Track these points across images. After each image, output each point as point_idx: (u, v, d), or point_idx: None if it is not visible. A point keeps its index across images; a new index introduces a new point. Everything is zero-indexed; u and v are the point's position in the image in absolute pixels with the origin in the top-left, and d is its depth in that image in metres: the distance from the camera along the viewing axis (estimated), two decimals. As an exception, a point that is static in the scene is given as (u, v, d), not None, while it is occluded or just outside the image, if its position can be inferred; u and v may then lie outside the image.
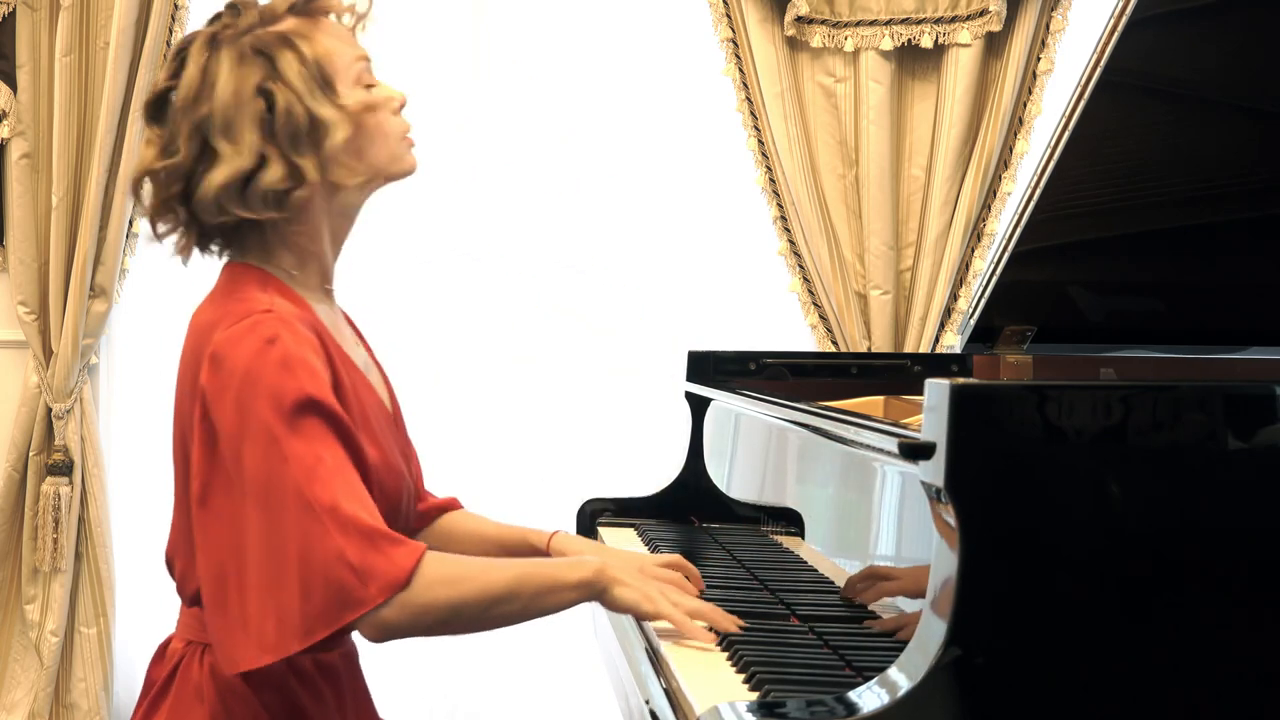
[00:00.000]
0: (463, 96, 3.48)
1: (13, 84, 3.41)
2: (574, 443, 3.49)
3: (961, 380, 1.24)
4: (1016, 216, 1.93)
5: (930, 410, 1.24)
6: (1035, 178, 1.89)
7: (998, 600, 1.20)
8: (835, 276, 3.31)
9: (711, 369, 2.43)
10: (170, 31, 3.36)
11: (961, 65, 3.26)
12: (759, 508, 2.13)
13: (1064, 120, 1.83)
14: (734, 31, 3.34)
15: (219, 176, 1.54)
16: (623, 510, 2.39)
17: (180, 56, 1.60)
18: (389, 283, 3.50)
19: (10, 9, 3.39)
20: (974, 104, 3.28)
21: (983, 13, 3.25)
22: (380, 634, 1.47)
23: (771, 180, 3.34)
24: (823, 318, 3.35)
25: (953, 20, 3.28)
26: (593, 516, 2.38)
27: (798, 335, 3.39)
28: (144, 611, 3.50)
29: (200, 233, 1.60)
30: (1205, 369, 2.19)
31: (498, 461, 3.47)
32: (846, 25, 3.30)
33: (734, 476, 2.30)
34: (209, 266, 1.66)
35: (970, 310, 2.07)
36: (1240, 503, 1.24)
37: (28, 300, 3.43)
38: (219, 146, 1.54)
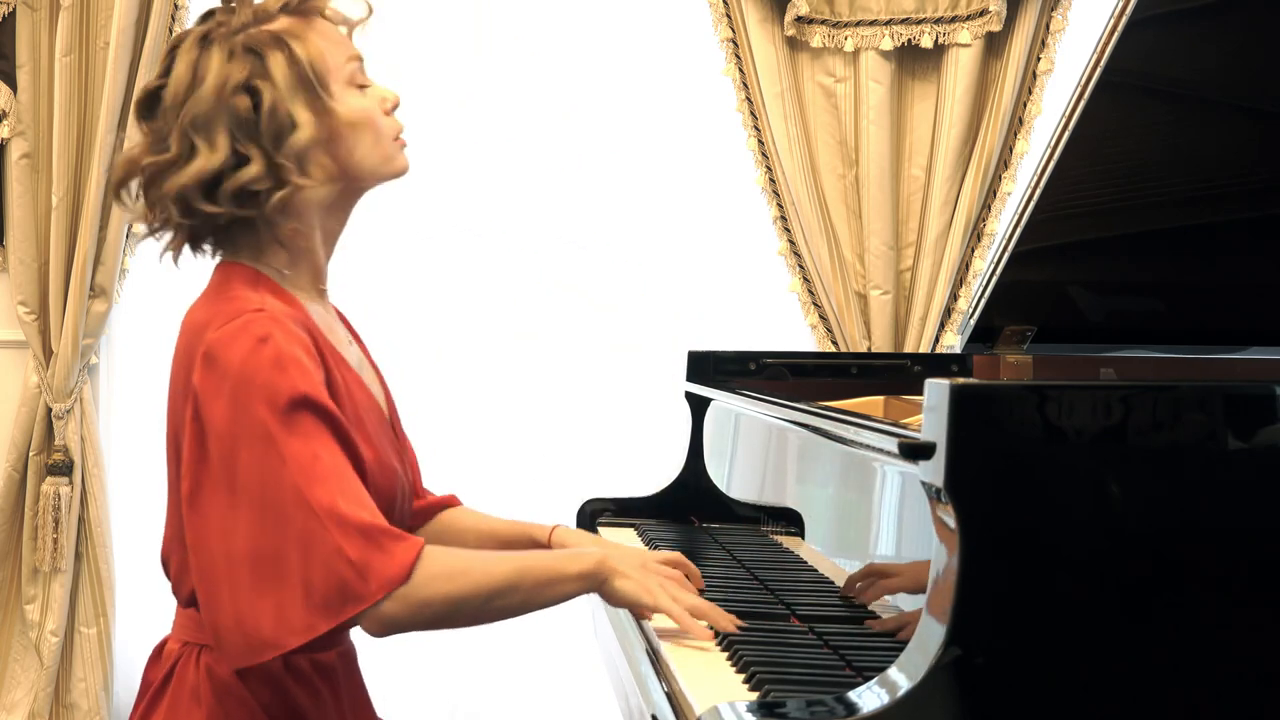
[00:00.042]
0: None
1: (13, 84, 3.41)
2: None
3: (961, 380, 1.24)
4: (1016, 216, 1.93)
5: (930, 410, 1.24)
6: (1035, 178, 1.89)
7: (998, 600, 1.20)
8: (835, 276, 3.31)
9: (711, 369, 2.43)
10: (170, 31, 3.36)
11: (961, 65, 3.26)
12: (759, 508, 2.13)
13: (1064, 120, 1.83)
14: (734, 31, 3.34)
15: (187, 173, 1.54)
16: (623, 510, 2.39)
17: (172, 54, 1.60)
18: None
19: (10, 9, 3.39)
20: (974, 104, 3.28)
21: (983, 13, 3.25)
22: (381, 629, 1.47)
23: (771, 180, 3.34)
24: (823, 318, 3.35)
25: (953, 20, 3.28)
26: (593, 516, 2.38)
27: (798, 335, 3.39)
28: (144, 611, 3.50)
29: (191, 232, 1.60)
30: (1205, 369, 2.18)
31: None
32: (846, 25, 3.30)
33: (734, 476, 2.30)
34: (209, 267, 1.66)
35: (970, 310, 2.07)
36: (1240, 503, 1.24)
37: (28, 300, 3.43)
38: (196, 143, 1.54)
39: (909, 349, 3.32)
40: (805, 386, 2.40)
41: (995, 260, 1.99)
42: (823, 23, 3.30)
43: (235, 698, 1.56)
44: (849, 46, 3.30)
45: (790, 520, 1.93)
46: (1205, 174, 1.96)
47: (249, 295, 1.55)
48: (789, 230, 3.34)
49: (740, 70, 3.34)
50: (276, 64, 1.56)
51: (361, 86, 1.63)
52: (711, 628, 1.57)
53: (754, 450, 2.19)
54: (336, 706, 1.64)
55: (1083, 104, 1.80)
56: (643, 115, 3.49)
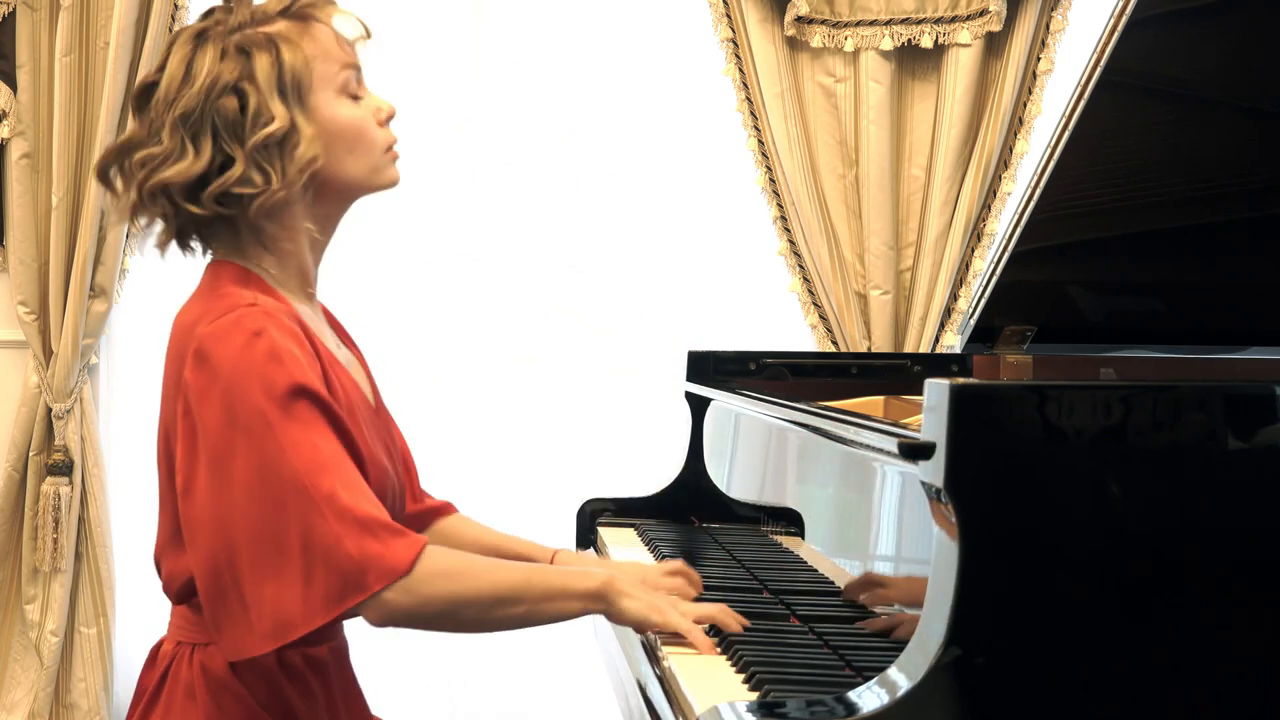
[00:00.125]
0: (463, 96, 3.48)
1: (13, 84, 3.41)
2: (574, 443, 3.49)
3: (961, 380, 1.24)
4: (1016, 216, 1.93)
5: (930, 410, 1.24)
6: (1035, 178, 1.89)
7: (998, 600, 1.20)
8: (835, 276, 3.31)
9: (711, 369, 2.43)
10: (170, 31, 3.36)
11: (961, 65, 3.26)
12: (759, 508, 2.13)
13: (1064, 120, 1.83)
14: (734, 31, 3.34)
15: (175, 170, 1.54)
16: (623, 510, 2.39)
17: (170, 48, 1.60)
18: (389, 282, 3.51)
19: (10, 9, 3.39)
20: (974, 104, 3.28)
21: (983, 13, 3.25)
22: (382, 618, 1.47)
23: (771, 180, 3.34)
24: (823, 318, 3.35)
25: (953, 20, 3.28)
26: (593, 516, 2.38)
27: (798, 335, 3.39)
28: (144, 611, 3.50)
29: (177, 226, 1.60)
30: (1205, 369, 2.19)
31: (497, 462, 3.47)
32: (846, 25, 3.30)
33: (734, 476, 2.30)
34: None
35: (970, 310, 2.07)
36: (1240, 503, 1.24)
37: (28, 300, 3.43)
38: (185, 141, 1.54)
39: (909, 349, 3.32)
40: (805, 386, 2.40)
41: (995, 260, 1.99)
42: (823, 23, 3.30)
43: (231, 694, 1.57)
44: (849, 46, 3.30)
45: (790, 520, 1.93)
46: (1205, 174, 1.96)
47: (240, 292, 1.55)
48: (789, 230, 3.34)
49: (740, 70, 3.34)
50: (261, 66, 1.56)
51: (355, 97, 1.63)
52: (712, 628, 1.57)
53: (754, 450, 2.19)
54: (328, 701, 1.64)
55: (1083, 104, 1.80)
56: (642, 127, 3.49)
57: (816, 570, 1.78)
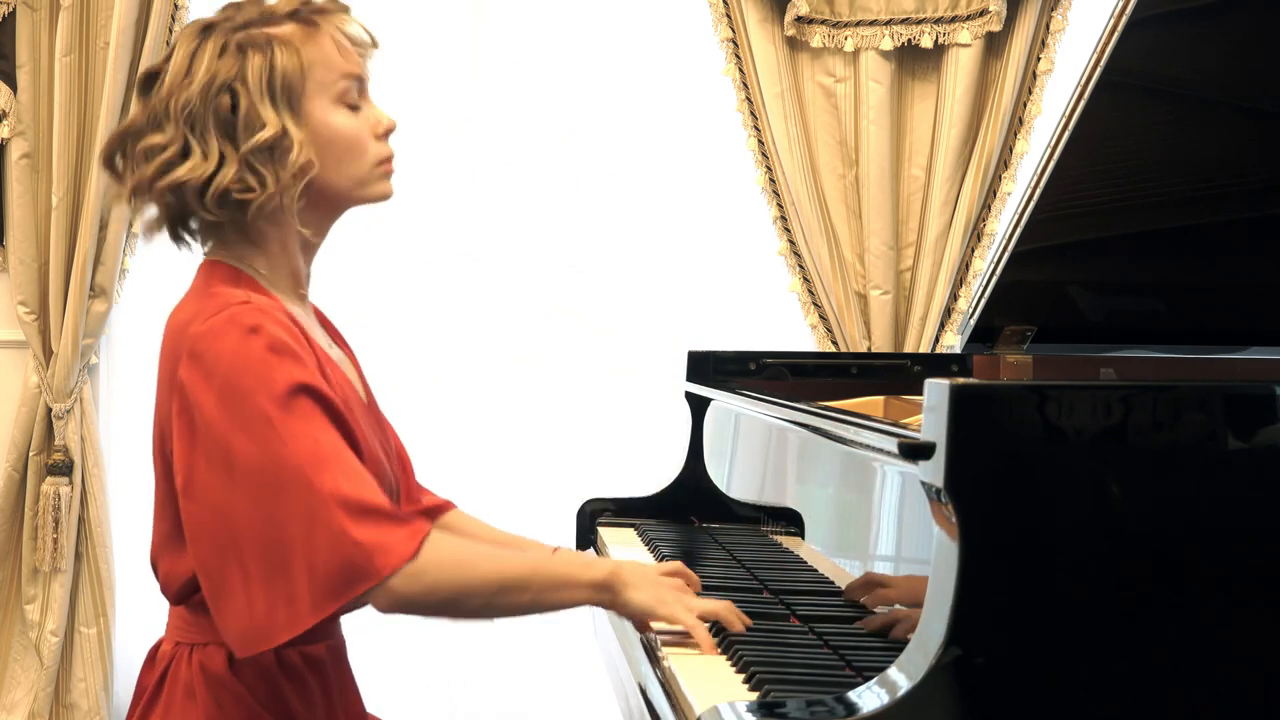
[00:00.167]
0: (463, 96, 3.48)
1: (13, 84, 3.41)
2: (574, 443, 3.49)
3: (961, 380, 1.24)
4: (1016, 216, 1.93)
5: (930, 410, 1.24)
6: (1035, 178, 1.89)
7: (998, 600, 1.20)
8: (835, 276, 3.31)
9: (711, 369, 2.43)
10: (170, 31, 3.36)
11: (961, 65, 3.26)
12: (759, 508, 2.13)
13: (1064, 120, 1.83)
14: (734, 31, 3.34)
15: (184, 171, 1.55)
16: (623, 510, 2.39)
17: (178, 41, 1.61)
18: (389, 282, 3.51)
19: (10, 9, 3.39)
20: (974, 104, 3.28)
21: (983, 13, 3.25)
22: (389, 604, 1.47)
23: (771, 180, 3.34)
24: (823, 318, 3.35)
25: (953, 20, 3.28)
26: (593, 516, 2.38)
27: (798, 335, 3.39)
28: (144, 611, 3.49)
29: (170, 217, 1.60)
30: (1205, 369, 2.18)
31: (497, 461, 3.48)
32: (846, 25, 3.30)
33: (734, 476, 2.30)
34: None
35: (970, 310, 2.07)
36: (1240, 503, 1.24)
37: (28, 300, 3.43)
38: (191, 142, 1.55)
39: (909, 349, 3.32)
40: (805, 386, 2.40)
41: (995, 260, 1.99)
42: (823, 23, 3.30)
43: (230, 693, 1.57)
44: (849, 46, 3.30)
45: (790, 520, 1.93)
46: (1205, 174, 1.96)
47: (232, 291, 1.56)
48: (789, 230, 3.34)
49: (740, 70, 3.34)
50: (253, 66, 1.56)
51: (353, 107, 1.62)
52: (714, 628, 1.57)
53: (754, 450, 2.19)
54: (325, 700, 1.64)
55: (1083, 104, 1.80)
56: (642, 127, 3.49)
57: (816, 570, 1.78)
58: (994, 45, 3.29)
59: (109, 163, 1.62)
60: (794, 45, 3.32)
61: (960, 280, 3.32)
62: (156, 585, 1.65)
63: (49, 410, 3.44)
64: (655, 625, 1.63)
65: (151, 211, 1.61)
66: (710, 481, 2.37)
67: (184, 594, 1.58)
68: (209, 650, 1.58)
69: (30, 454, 3.47)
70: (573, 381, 3.52)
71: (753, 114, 3.34)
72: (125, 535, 3.50)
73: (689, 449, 2.43)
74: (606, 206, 3.51)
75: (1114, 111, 1.85)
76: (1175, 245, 2.02)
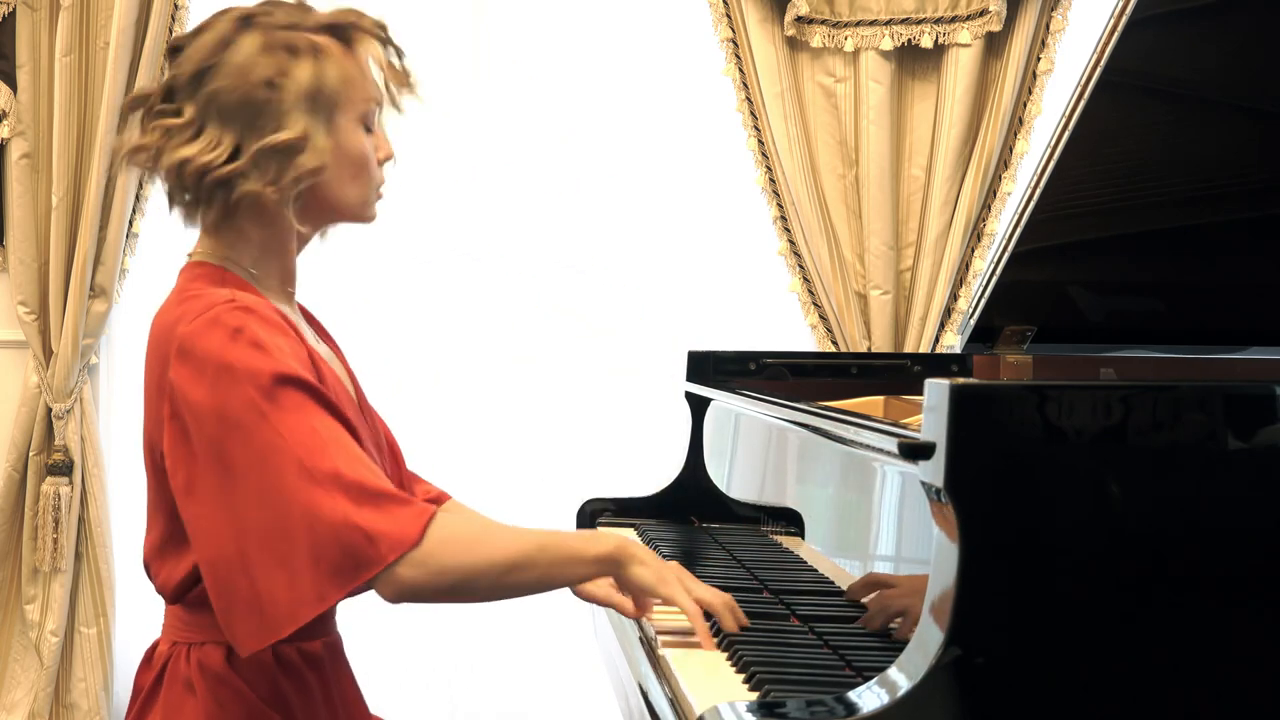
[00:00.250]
0: (463, 96, 3.48)
1: (13, 84, 3.41)
2: (574, 443, 3.50)
3: (961, 380, 1.24)
4: (1016, 216, 1.93)
5: (930, 410, 1.24)
6: (1035, 178, 1.89)
7: (997, 600, 1.20)
8: (835, 276, 3.31)
9: (711, 369, 2.43)
10: (170, 31, 3.36)
11: (961, 65, 3.26)
12: (759, 508, 2.13)
13: (1064, 120, 1.83)
14: (734, 31, 3.34)
15: (191, 152, 1.56)
16: (623, 510, 2.39)
17: (213, 21, 1.61)
18: (389, 284, 3.51)
19: (10, 9, 3.39)
20: (974, 104, 3.28)
21: (983, 13, 3.25)
22: (397, 593, 1.46)
23: (771, 180, 3.34)
24: (823, 318, 3.35)
25: (953, 20, 3.28)
26: (593, 516, 2.39)
27: (798, 335, 3.39)
28: (144, 611, 3.49)
29: (170, 190, 1.62)
30: (1205, 369, 2.18)
31: (497, 461, 3.48)
32: (846, 25, 3.30)
33: (734, 476, 2.30)
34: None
35: (970, 310, 2.07)
36: (1240, 503, 1.24)
37: (28, 300, 3.43)
38: (207, 126, 1.56)
39: (909, 349, 3.32)
40: (805, 386, 2.40)
41: (995, 260, 1.99)
42: (823, 23, 3.30)
43: (229, 689, 1.57)
44: (849, 46, 3.30)
45: (790, 520, 1.93)
46: (1205, 174, 1.96)
47: (216, 291, 1.57)
48: (789, 230, 3.34)
49: (740, 70, 3.34)
50: (302, 71, 1.58)
51: (369, 129, 1.65)
52: (713, 627, 1.57)
53: (754, 450, 2.19)
54: (325, 697, 1.64)
55: (1083, 104, 1.80)
56: (642, 127, 3.49)
57: (816, 570, 1.78)
58: (994, 45, 3.29)
59: (126, 115, 1.64)
60: (794, 45, 3.32)
61: (960, 280, 3.32)
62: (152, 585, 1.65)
63: (49, 410, 3.44)
64: (655, 620, 1.64)
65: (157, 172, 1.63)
66: (710, 481, 2.37)
67: (180, 592, 1.59)
68: (207, 649, 1.58)
69: (30, 454, 3.47)
70: (573, 381, 3.52)
71: (753, 114, 3.34)
72: (125, 535, 3.50)
73: (689, 449, 2.43)
74: (606, 206, 3.51)
75: (1114, 111, 1.85)
76: (1175, 245, 2.02)
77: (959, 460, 1.21)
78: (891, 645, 1.41)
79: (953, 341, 3.28)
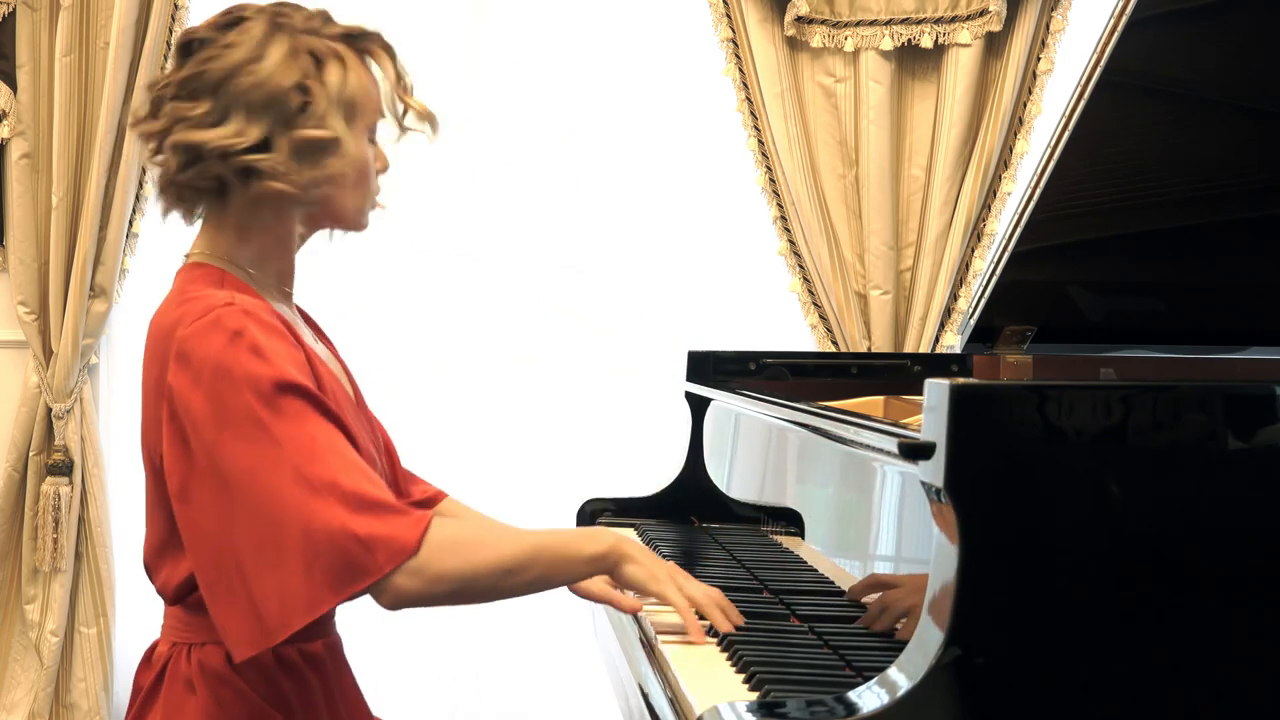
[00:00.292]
0: (463, 96, 3.48)
1: (13, 84, 3.41)
2: (574, 443, 3.50)
3: (961, 380, 1.24)
4: (1016, 216, 1.93)
5: (930, 410, 1.24)
6: (1035, 178, 1.89)
7: (997, 600, 1.20)
8: (835, 276, 3.31)
9: (711, 369, 2.43)
10: (170, 31, 3.36)
11: (961, 65, 3.26)
12: (759, 508, 2.13)
13: (1064, 120, 1.83)
14: (734, 31, 3.34)
15: (211, 136, 1.56)
16: (623, 510, 2.39)
17: (237, 21, 1.62)
18: (389, 282, 3.51)
19: (10, 9, 3.39)
20: (974, 104, 3.28)
21: (983, 13, 3.25)
22: (394, 601, 1.47)
23: (771, 180, 3.34)
24: (823, 318, 3.35)
25: (953, 20, 3.28)
26: (593, 516, 2.39)
27: (798, 335, 3.39)
28: (144, 611, 3.49)
29: (182, 182, 1.61)
30: (1205, 369, 2.18)
31: (497, 461, 3.48)
32: (846, 25, 3.30)
33: (734, 476, 2.30)
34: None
35: (970, 310, 2.07)
36: (1240, 503, 1.24)
37: (28, 300, 3.43)
38: (233, 115, 1.56)
39: (909, 349, 3.32)
40: (805, 386, 2.40)
41: (995, 260, 1.99)
42: (823, 23, 3.30)
43: (230, 689, 1.57)
44: (849, 46, 3.30)
45: (790, 520, 1.93)
46: (1205, 174, 1.96)
47: (215, 293, 1.57)
48: (789, 230, 3.34)
49: (740, 70, 3.34)
50: (332, 75, 1.60)
51: (371, 140, 1.68)
52: (712, 628, 1.57)
53: (754, 450, 2.19)
54: (326, 696, 1.65)
55: (1083, 104, 1.80)
56: (642, 127, 3.49)
57: (816, 570, 1.78)
58: (994, 45, 3.29)
59: (140, 122, 1.63)
60: (794, 45, 3.32)
61: (960, 280, 3.32)
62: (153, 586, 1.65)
63: (49, 410, 3.44)
64: (655, 618, 1.64)
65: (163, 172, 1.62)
66: (710, 481, 2.37)
67: (180, 594, 1.59)
68: (207, 649, 1.58)
69: (30, 454, 3.47)
70: (573, 381, 3.52)
71: (753, 114, 3.34)
72: (125, 535, 3.50)
73: (689, 449, 2.43)
74: (606, 206, 3.51)
75: (1114, 111, 1.85)
76: (1175, 245, 2.02)
77: (959, 460, 1.21)
78: (891, 645, 1.41)
79: (953, 341, 3.28)
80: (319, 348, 1.72)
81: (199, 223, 1.66)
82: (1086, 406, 1.22)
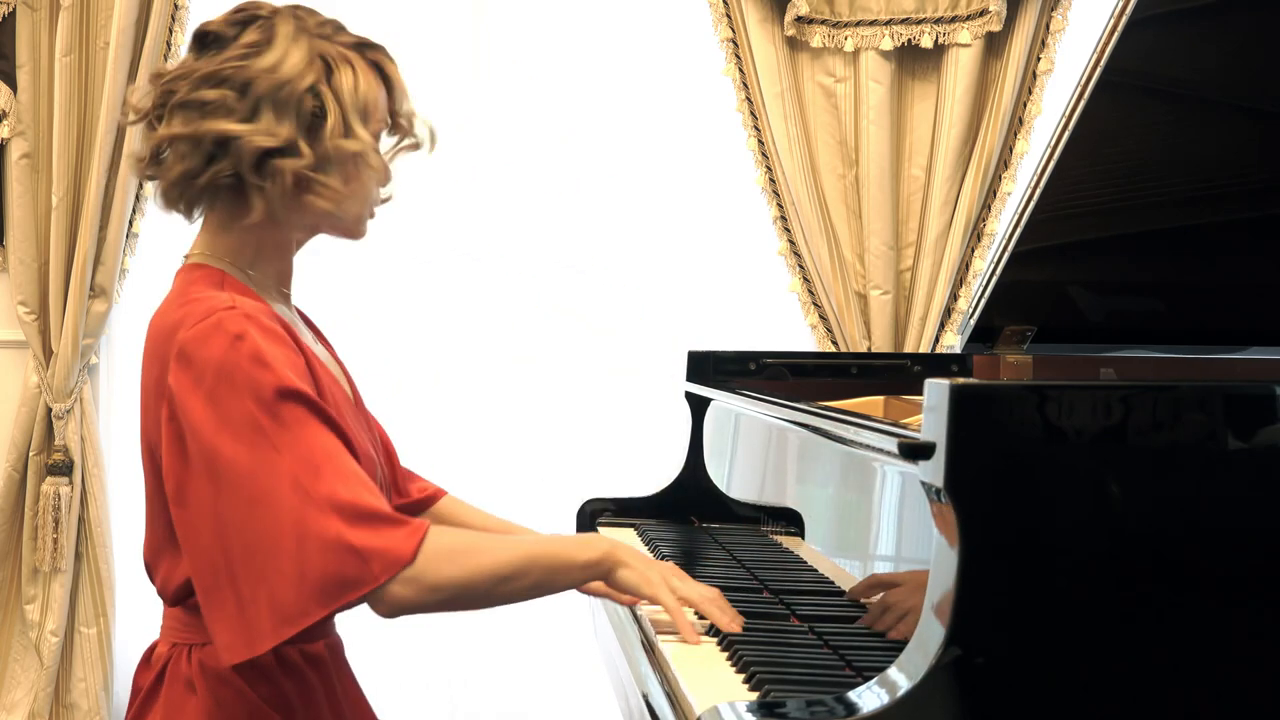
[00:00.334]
0: (463, 96, 3.48)
1: (13, 84, 3.41)
2: (574, 443, 3.50)
3: (961, 380, 1.24)
4: (1016, 216, 1.93)
5: (930, 410, 1.24)
6: (1035, 178, 1.89)
7: (997, 600, 1.20)
8: (835, 276, 3.31)
9: (711, 369, 2.43)
10: (170, 31, 3.36)
11: (961, 65, 3.26)
12: (759, 508, 2.13)
13: (1064, 120, 1.83)
14: (734, 31, 3.34)
15: (243, 130, 1.55)
16: (623, 510, 2.39)
17: (254, 19, 1.61)
18: (389, 282, 3.51)
19: (10, 9, 3.39)
20: (974, 104, 3.28)
21: (983, 13, 3.25)
22: (390, 610, 1.47)
23: (771, 180, 3.34)
24: (823, 318, 3.35)
25: (953, 20, 3.28)
26: (593, 516, 2.38)
27: (798, 335, 3.39)
28: (144, 611, 3.49)
29: (193, 177, 1.59)
30: (1205, 369, 2.19)
31: (497, 461, 3.48)
32: (846, 25, 3.30)
33: (734, 476, 2.30)
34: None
35: (970, 310, 2.07)
36: (1240, 503, 1.24)
37: (28, 300, 3.43)
38: (263, 112, 1.56)
39: (909, 349, 3.32)
40: (805, 386, 2.40)
41: (995, 260, 1.99)
42: (823, 23, 3.30)
43: (231, 689, 1.57)
44: (849, 46, 3.30)
45: (790, 520, 1.93)
46: (1205, 174, 1.96)
47: (216, 295, 1.56)
48: (789, 230, 3.34)
49: (740, 70, 3.34)
50: (345, 80, 1.60)
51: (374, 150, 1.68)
52: (711, 628, 1.57)
53: (754, 450, 2.19)
54: (329, 696, 1.65)
55: (1083, 104, 1.80)
56: (642, 127, 3.49)
57: (817, 570, 1.78)
58: (994, 45, 3.29)
59: (152, 115, 1.62)
60: (794, 45, 3.32)
61: (960, 280, 3.32)
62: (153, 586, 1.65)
63: (49, 410, 3.44)
64: (654, 617, 1.64)
65: (169, 166, 1.61)
66: (710, 481, 2.37)
67: (181, 595, 1.59)
68: (207, 650, 1.58)
69: (30, 454, 3.47)
70: (573, 381, 3.52)
71: (753, 114, 3.34)
72: (125, 535, 3.50)
73: (689, 449, 2.43)
74: (606, 206, 3.51)
75: (1114, 111, 1.85)
76: (1175, 245, 2.02)
77: (959, 460, 1.21)
78: (891, 645, 1.41)
79: (953, 341, 3.28)
80: (318, 349, 1.72)
81: (198, 222, 1.66)
82: (1086, 406, 1.22)
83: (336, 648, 1.70)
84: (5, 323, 3.52)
